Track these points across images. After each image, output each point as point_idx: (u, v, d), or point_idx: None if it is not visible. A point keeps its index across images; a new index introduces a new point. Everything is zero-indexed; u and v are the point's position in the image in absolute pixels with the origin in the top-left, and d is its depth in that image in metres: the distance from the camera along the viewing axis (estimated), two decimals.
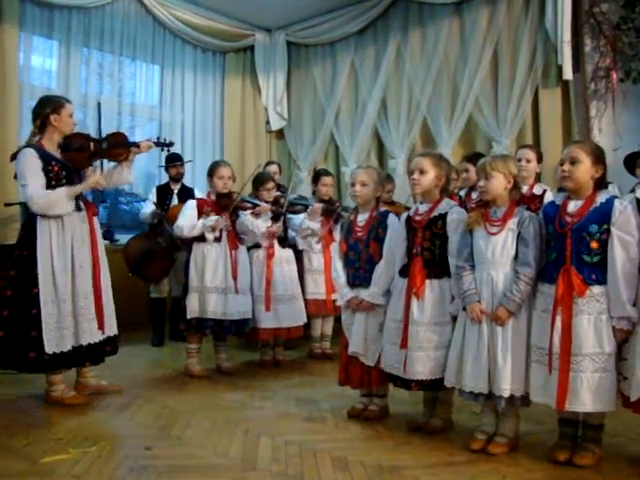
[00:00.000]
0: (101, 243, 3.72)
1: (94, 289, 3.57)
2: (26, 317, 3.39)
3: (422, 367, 2.95)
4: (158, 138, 4.27)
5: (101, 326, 3.58)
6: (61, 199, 3.47)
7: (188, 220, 4.22)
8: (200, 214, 4.25)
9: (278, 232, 4.53)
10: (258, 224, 4.39)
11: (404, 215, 3.20)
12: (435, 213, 3.02)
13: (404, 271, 3.08)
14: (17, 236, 3.67)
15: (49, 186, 3.47)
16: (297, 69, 7.16)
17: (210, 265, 4.22)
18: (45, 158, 3.48)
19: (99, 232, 3.72)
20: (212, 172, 4.32)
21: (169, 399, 3.69)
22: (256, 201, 4.47)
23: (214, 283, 4.21)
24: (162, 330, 5.43)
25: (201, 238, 4.23)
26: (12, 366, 3.46)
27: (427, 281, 2.98)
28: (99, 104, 3.97)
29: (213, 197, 4.33)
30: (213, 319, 4.20)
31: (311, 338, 4.94)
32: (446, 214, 3.00)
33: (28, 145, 3.51)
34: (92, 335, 3.55)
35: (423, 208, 3.08)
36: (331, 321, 4.96)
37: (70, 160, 3.58)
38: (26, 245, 3.47)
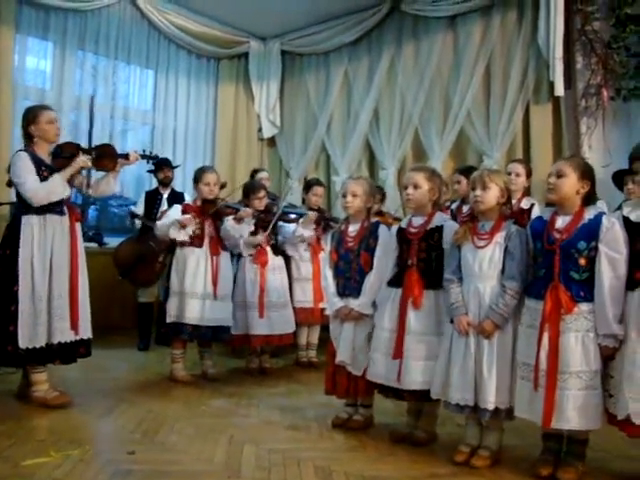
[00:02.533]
0: (81, 248, 3.74)
1: (70, 291, 3.60)
2: (6, 313, 3.46)
3: (418, 377, 2.94)
4: (144, 151, 4.32)
5: (74, 327, 3.59)
6: (57, 184, 3.56)
7: (170, 219, 4.22)
8: None
9: (267, 244, 4.52)
10: (240, 229, 4.39)
11: (395, 227, 3.22)
12: (432, 225, 3.05)
13: (395, 281, 3.09)
14: (2, 236, 3.69)
15: None
16: (291, 77, 7.19)
17: (190, 270, 4.21)
18: (37, 162, 3.56)
19: (80, 237, 3.75)
20: (198, 178, 4.33)
21: (153, 404, 3.67)
22: (238, 206, 4.48)
23: (193, 288, 4.20)
24: (148, 335, 5.40)
25: (184, 243, 4.22)
26: None
27: (424, 292, 2.98)
28: (92, 99, 3.89)
29: (199, 203, 4.34)
30: (190, 324, 4.19)
31: (297, 346, 4.93)
32: (442, 227, 3.02)
33: (22, 150, 3.60)
34: (63, 334, 3.56)
35: (418, 221, 3.10)
36: (317, 330, 4.95)
37: (59, 167, 3.64)
38: (9, 244, 3.53)
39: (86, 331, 3.70)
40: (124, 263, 5.26)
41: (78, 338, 3.64)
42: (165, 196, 5.57)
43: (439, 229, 3.02)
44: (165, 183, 5.61)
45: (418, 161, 6.08)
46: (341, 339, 3.27)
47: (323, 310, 4.56)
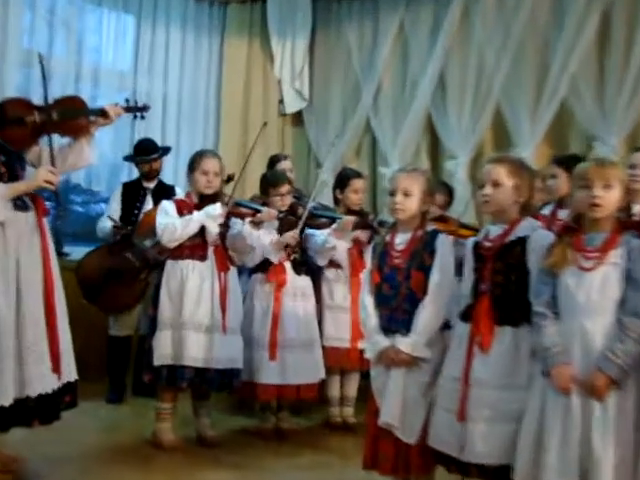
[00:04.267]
0: (53, 252, 3.75)
1: (46, 316, 3.58)
2: None
3: (483, 446, 2.94)
4: (127, 101, 4.21)
5: (56, 368, 3.57)
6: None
7: (173, 217, 4.28)
8: None
9: (293, 242, 4.58)
10: (260, 237, 4.45)
11: (471, 240, 3.24)
12: (512, 237, 3.05)
13: (468, 314, 3.11)
14: None
15: None
16: (324, 30, 7.24)
17: (191, 292, 4.27)
18: None
19: (50, 238, 3.74)
20: (194, 165, 4.41)
21: (129, 477, 3.72)
22: (256, 205, 4.54)
23: (196, 318, 4.25)
24: (122, 381, 5.47)
25: (179, 253, 4.29)
26: None
27: (496, 328, 3.01)
28: (40, 57, 3.87)
29: (195, 199, 4.41)
30: (192, 367, 4.23)
31: (328, 401, 4.97)
32: (526, 239, 3.03)
33: None
34: (43, 382, 3.53)
35: (495, 231, 3.12)
36: (356, 379, 4.98)
37: (7, 138, 3.61)
38: None
39: (70, 372, 3.71)
40: (91, 282, 5.34)
41: (62, 384, 3.62)
42: (150, 190, 5.67)
43: (522, 242, 3.02)
44: (151, 176, 5.70)
45: (500, 147, 6.02)
46: (387, 392, 3.28)
47: (363, 352, 4.59)
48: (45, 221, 3.72)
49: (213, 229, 4.27)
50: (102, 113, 3.87)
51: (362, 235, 4.85)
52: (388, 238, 3.43)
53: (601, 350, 2.74)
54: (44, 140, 3.81)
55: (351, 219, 4.74)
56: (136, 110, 4.26)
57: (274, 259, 4.59)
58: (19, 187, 3.59)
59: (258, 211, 4.45)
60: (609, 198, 2.81)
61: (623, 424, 2.70)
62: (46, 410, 3.57)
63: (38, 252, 3.62)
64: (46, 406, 3.56)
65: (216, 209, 4.27)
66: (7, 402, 3.41)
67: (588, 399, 2.73)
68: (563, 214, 4.03)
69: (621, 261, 2.77)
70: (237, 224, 4.45)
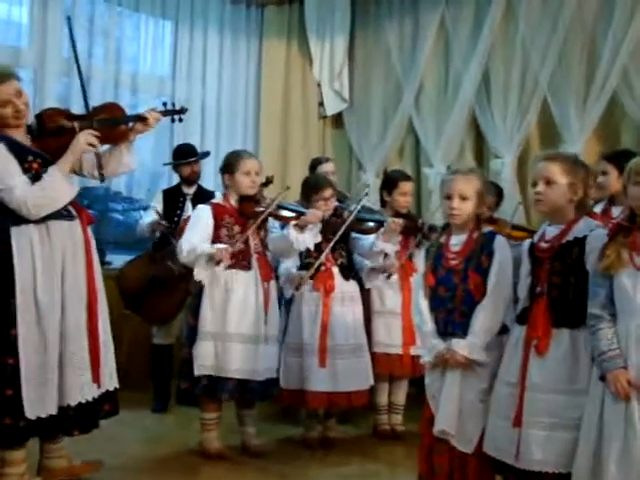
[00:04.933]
0: (97, 263, 3.78)
1: (89, 326, 3.62)
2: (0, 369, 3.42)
3: (541, 453, 2.91)
4: (165, 104, 4.19)
5: (96, 378, 3.61)
6: (59, 182, 3.53)
7: (196, 235, 4.25)
8: (218, 227, 4.30)
9: (334, 262, 4.56)
10: (305, 240, 4.42)
11: (527, 242, 3.22)
12: (569, 237, 3.02)
13: (524, 316, 3.08)
14: None
15: None
16: (363, 30, 7.23)
17: (236, 303, 4.26)
18: (19, 152, 3.52)
19: (94, 247, 3.78)
20: (233, 166, 4.37)
21: None
22: (299, 207, 4.51)
23: (241, 328, 4.25)
24: (167, 390, 5.49)
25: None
26: None
27: (553, 330, 2.96)
28: (77, 64, 3.87)
29: (234, 202, 4.39)
30: (235, 379, 4.22)
31: (375, 409, 4.94)
32: (585, 239, 2.98)
33: None
34: (83, 391, 3.57)
35: (552, 231, 3.09)
36: (405, 386, 4.96)
37: (47, 149, 3.63)
38: None
39: (111, 380, 3.75)
40: (133, 291, 5.36)
41: (102, 392, 3.67)
42: (190, 197, 5.68)
43: (581, 242, 2.98)
44: (191, 180, 5.72)
45: (547, 144, 5.97)
46: (442, 399, 3.25)
47: (414, 358, 4.56)
48: (89, 230, 3.76)
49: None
50: (141, 119, 3.88)
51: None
52: (443, 240, 3.42)
53: None
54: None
55: (398, 221, 4.69)
56: (174, 113, 4.24)
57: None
58: (67, 158, 3.61)
59: (302, 214, 4.41)
60: None
61: None
62: (85, 419, 3.62)
63: (83, 262, 3.66)
64: (85, 415, 3.61)
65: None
66: (53, 410, 3.47)
67: None
68: (616, 212, 3.98)
69: None
70: (276, 227, 4.46)
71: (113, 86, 6.34)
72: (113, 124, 3.86)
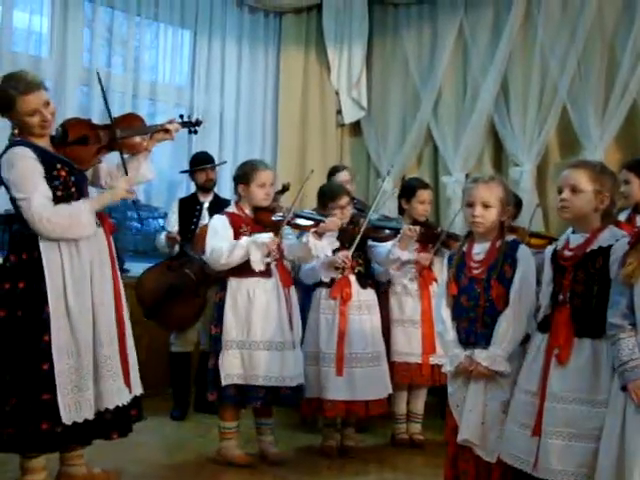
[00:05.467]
0: (118, 270, 3.84)
1: (118, 331, 3.68)
2: (34, 376, 3.43)
3: (560, 463, 2.89)
4: (182, 117, 4.29)
5: (128, 382, 3.67)
6: (86, 215, 3.55)
7: (225, 239, 4.27)
8: (237, 236, 4.30)
9: (346, 263, 4.52)
10: (323, 247, 4.43)
11: (549, 249, 3.21)
12: (593, 246, 3.00)
13: (545, 324, 3.07)
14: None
15: (55, 198, 3.51)
16: (381, 38, 7.25)
17: (259, 311, 4.26)
18: (46, 159, 3.54)
19: (116, 256, 3.82)
20: (248, 177, 4.38)
21: None
22: (316, 215, 4.52)
23: (266, 336, 4.25)
24: (186, 397, 5.51)
25: (244, 271, 4.27)
26: (8, 445, 3.45)
27: (575, 340, 2.95)
28: (98, 75, 4.04)
29: (248, 211, 4.41)
30: (264, 387, 4.22)
31: (394, 417, 4.93)
32: (609, 248, 2.96)
33: (17, 142, 3.54)
34: (119, 395, 3.61)
35: (576, 239, 3.07)
36: (423, 395, 4.95)
37: (72, 157, 3.67)
38: (24, 275, 3.50)
39: (137, 386, 3.79)
40: (151, 299, 5.38)
41: (132, 396, 3.72)
42: (206, 205, 5.70)
43: (605, 251, 2.97)
44: (206, 188, 5.74)
45: (566, 153, 6.01)
46: (465, 409, 3.25)
47: (433, 367, 4.56)
48: (111, 238, 3.81)
49: (256, 258, 4.20)
50: (163, 129, 3.97)
51: (423, 258, 4.82)
52: (465, 248, 3.41)
53: None
54: (105, 158, 3.93)
55: (414, 228, 4.69)
56: (190, 125, 4.33)
57: (325, 278, 4.58)
58: (104, 198, 3.73)
59: (319, 221, 4.43)
60: None
61: None
62: (122, 423, 3.66)
63: (109, 269, 3.71)
64: (121, 419, 3.65)
65: (264, 237, 4.21)
66: (91, 416, 3.51)
67: None
68: None
69: None
70: (291, 234, 4.48)
71: (131, 95, 6.36)
72: (136, 134, 3.91)
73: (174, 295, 5.34)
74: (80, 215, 3.54)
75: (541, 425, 2.94)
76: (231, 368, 4.22)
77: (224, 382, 4.21)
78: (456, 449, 3.30)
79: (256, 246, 4.18)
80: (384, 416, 4.84)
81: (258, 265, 4.19)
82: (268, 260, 4.24)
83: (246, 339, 4.24)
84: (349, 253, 4.50)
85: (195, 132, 4.45)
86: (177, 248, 5.58)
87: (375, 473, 4.29)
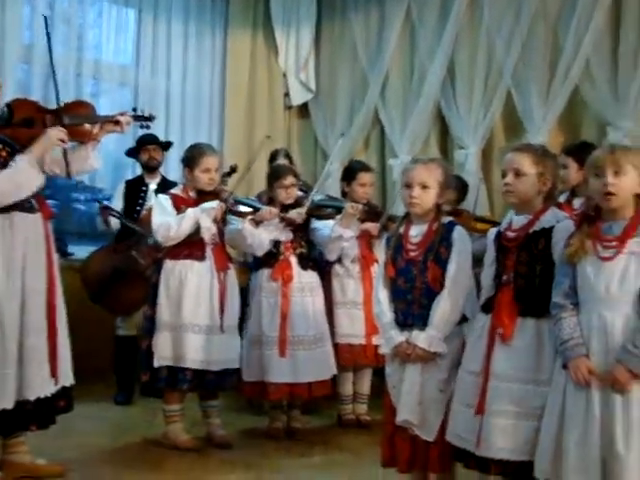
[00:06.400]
0: (56, 257, 3.78)
1: (48, 321, 3.61)
2: None
3: (503, 441, 2.92)
4: (135, 110, 4.30)
5: (54, 373, 3.60)
6: (27, 171, 3.52)
7: (171, 215, 4.29)
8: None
9: (299, 220, 4.55)
10: (260, 235, 4.45)
11: (493, 230, 3.23)
12: (536, 227, 3.03)
13: (489, 305, 3.09)
14: None
15: None
16: (330, 20, 7.24)
17: (190, 293, 4.28)
18: None
19: (53, 242, 3.77)
20: (193, 161, 4.40)
21: None
22: (256, 203, 4.56)
23: (195, 319, 4.27)
24: (131, 382, 5.47)
25: (179, 253, 4.30)
26: None
27: (519, 320, 2.98)
28: (52, 65, 3.89)
29: (193, 194, 4.41)
30: (192, 369, 4.24)
31: (340, 399, 4.95)
32: (552, 229, 3.00)
33: None
34: (42, 386, 3.56)
35: (520, 221, 3.09)
36: (368, 375, 4.99)
37: (15, 138, 3.61)
38: None
39: (67, 375, 3.73)
40: (97, 283, 5.33)
41: (58, 388, 3.65)
42: (152, 187, 5.65)
43: (547, 232, 3.01)
44: (152, 167, 5.69)
45: (511, 136, 6.05)
46: (403, 390, 3.26)
47: (377, 347, 4.59)
48: (49, 224, 3.75)
49: (206, 224, 4.27)
50: (113, 121, 3.93)
51: (371, 227, 4.85)
52: (402, 230, 3.41)
53: (622, 343, 2.70)
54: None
55: (356, 206, 4.72)
56: (142, 119, 4.33)
57: (281, 238, 4.58)
58: (36, 150, 3.60)
59: (258, 209, 4.44)
60: (621, 185, 2.77)
61: None
62: (43, 414, 3.61)
63: (43, 255, 3.65)
64: (43, 410, 3.59)
65: (211, 204, 4.28)
66: (9, 405, 3.45)
67: (609, 394, 2.69)
68: (577, 203, 4.04)
69: None
70: (235, 220, 4.47)
71: (74, 74, 6.28)
72: (84, 122, 3.86)
73: (121, 278, 5.31)
74: (22, 173, 3.50)
75: (484, 404, 2.96)
76: (163, 350, 4.25)
77: (156, 364, 4.25)
78: (393, 428, 3.30)
79: (205, 213, 4.24)
80: (330, 397, 4.86)
81: (209, 232, 4.26)
82: (212, 229, 4.27)
83: (176, 321, 4.27)
84: (302, 210, 4.53)
85: (147, 127, 4.46)
86: (119, 226, 5.53)
87: (321, 454, 4.31)
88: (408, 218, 3.41)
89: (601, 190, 2.78)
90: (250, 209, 4.48)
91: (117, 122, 3.92)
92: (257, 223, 4.46)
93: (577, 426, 2.72)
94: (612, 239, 2.78)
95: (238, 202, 4.48)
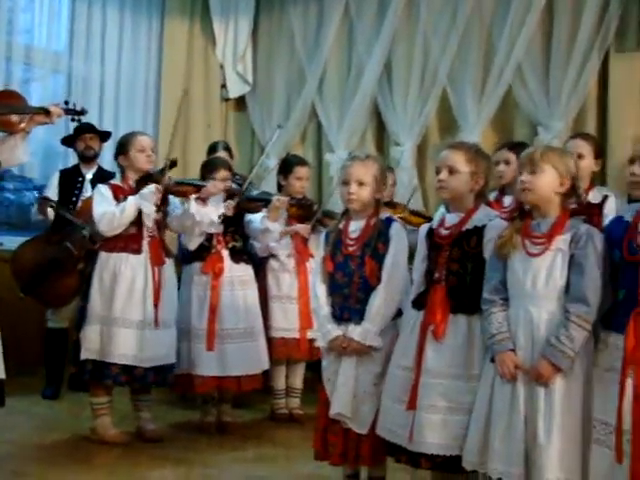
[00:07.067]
0: None
1: None
2: None
3: (434, 436, 2.95)
4: (67, 103, 4.26)
5: None
6: None
7: (111, 204, 4.24)
8: None
9: (229, 212, 4.54)
10: (208, 213, 4.43)
11: (424, 227, 3.27)
12: (468, 226, 3.07)
13: (420, 302, 3.13)
14: None
15: None
16: (268, 13, 7.21)
17: (122, 286, 4.24)
18: None
19: None
20: (126, 145, 4.37)
21: (67, 477, 3.66)
22: (198, 181, 4.54)
23: (126, 313, 4.23)
24: (60, 376, 5.39)
25: (114, 246, 4.27)
26: None
27: (450, 316, 3.02)
28: None
29: (132, 182, 4.38)
30: (119, 365, 4.19)
31: (273, 393, 4.97)
32: (484, 228, 3.05)
33: None
34: None
35: (452, 219, 3.13)
36: (302, 369, 5.01)
37: None
38: None
39: None
40: (28, 274, 5.21)
41: None
42: (89, 177, 5.56)
43: (479, 230, 3.05)
44: (88, 157, 5.59)
45: (445, 133, 6.14)
46: (338, 383, 3.27)
47: (312, 341, 4.61)
48: None
49: (148, 210, 4.24)
50: (44, 112, 3.86)
51: (302, 228, 4.90)
52: (342, 226, 3.43)
53: (546, 337, 2.76)
54: None
55: (283, 199, 4.75)
56: (74, 113, 4.32)
57: (214, 230, 4.56)
58: None
59: (202, 186, 4.44)
60: (536, 182, 2.84)
61: (568, 411, 2.72)
62: None
63: None
64: None
65: (150, 188, 4.24)
66: None
67: (533, 386, 2.76)
68: (508, 200, 4.12)
69: (567, 247, 2.79)
70: (177, 206, 4.45)
71: (4, 59, 6.14)
72: (11, 112, 3.79)
73: (53, 270, 5.18)
74: None
75: (416, 400, 2.99)
76: (90, 342, 4.21)
77: (82, 356, 4.22)
78: (326, 421, 3.32)
79: (145, 198, 4.21)
80: (263, 391, 4.87)
81: (150, 218, 4.25)
82: (152, 214, 4.24)
83: (107, 314, 4.23)
84: (231, 203, 4.54)
85: (79, 121, 4.47)
86: (52, 217, 5.41)
87: (254, 448, 4.31)
88: (347, 214, 3.44)
89: (519, 185, 2.89)
90: (193, 187, 4.46)
91: (48, 113, 3.86)
92: (204, 200, 4.44)
93: (503, 419, 2.78)
94: (540, 236, 2.84)
95: (178, 183, 4.46)
